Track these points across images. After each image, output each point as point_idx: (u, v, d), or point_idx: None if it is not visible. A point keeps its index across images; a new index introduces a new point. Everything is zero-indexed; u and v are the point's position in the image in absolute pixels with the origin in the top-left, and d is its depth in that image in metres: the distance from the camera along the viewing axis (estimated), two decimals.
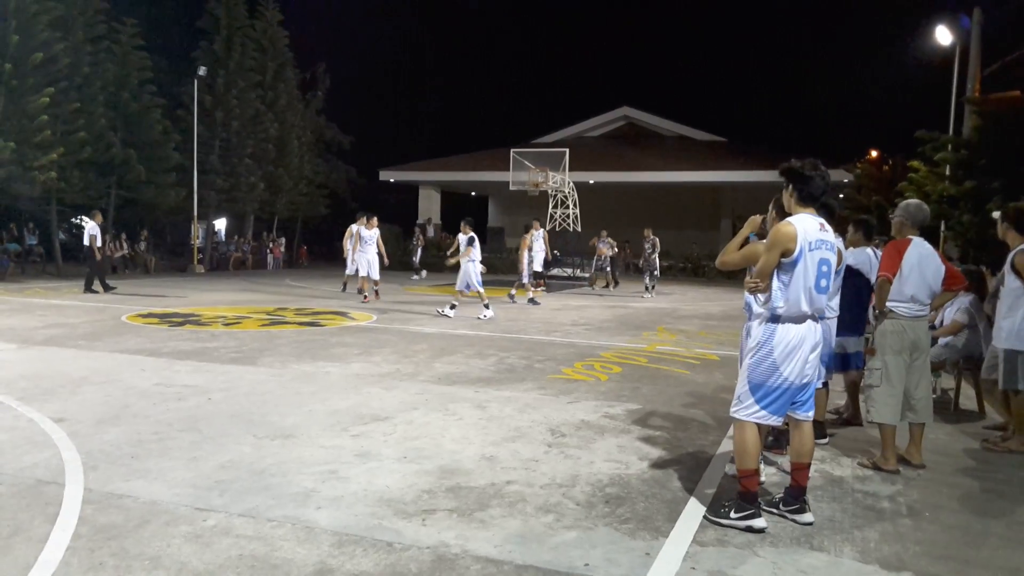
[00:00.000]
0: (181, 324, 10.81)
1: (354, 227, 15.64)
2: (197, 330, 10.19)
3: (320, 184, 31.82)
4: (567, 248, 24.99)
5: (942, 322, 6.59)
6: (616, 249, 21.48)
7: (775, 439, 4.86)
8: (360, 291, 15.32)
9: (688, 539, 3.53)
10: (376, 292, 15.12)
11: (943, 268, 4.82)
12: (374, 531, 3.51)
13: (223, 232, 32.23)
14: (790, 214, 3.81)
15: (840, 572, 3.25)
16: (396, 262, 24.08)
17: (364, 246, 15.14)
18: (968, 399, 6.69)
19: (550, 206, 25.52)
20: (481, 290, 12.43)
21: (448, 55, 59.99)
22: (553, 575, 3.14)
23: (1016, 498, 4.35)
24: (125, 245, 23.78)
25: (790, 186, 3.82)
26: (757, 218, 4.29)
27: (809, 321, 3.69)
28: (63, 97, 19.33)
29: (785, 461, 4.53)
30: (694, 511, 3.88)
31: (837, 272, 4.65)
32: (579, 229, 24.98)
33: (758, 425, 3.75)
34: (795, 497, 3.81)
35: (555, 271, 23.53)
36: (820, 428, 5.15)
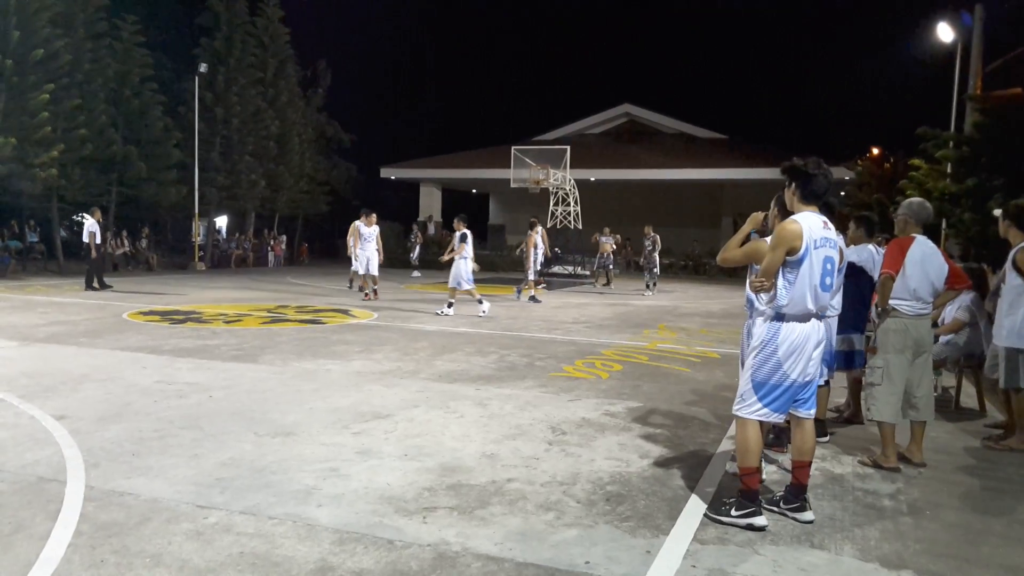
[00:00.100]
0: (182, 322, 10.82)
1: (357, 223, 15.65)
2: (198, 327, 10.19)
3: (321, 181, 31.79)
4: (568, 246, 24.98)
5: (943, 320, 6.58)
6: (616, 245, 21.48)
7: (776, 437, 4.86)
8: (362, 288, 15.33)
9: (689, 537, 3.53)
10: (375, 291, 15.09)
11: (946, 266, 4.81)
12: (375, 529, 3.51)
13: (224, 229, 32.22)
14: (792, 212, 3.81)
15: (841, 570, 3.25)
16: (396, 260, 24.07)
17: (364, 243, 15.11)
18: (969, 397, 6.68)
19: (551, 204, 25.50)
20: (472, 287, 12.33)
21: (449, 52, 60.07)
22: (554, 573, 3.14)
23: (1017, 496, 4.34)
24: (126, 242, 23.79)
25: (793, 184, 3.81)
26: (759, 215, 4.29)
27: (813, 319, 3.69)
28: (64, 94, 19.33)
29: (786, 459, 4.53)
30: (695, 509, 3.88)
31: (839, 270, 4.65)
32: (580, 227, 24.97)
33: (759, 423, 3.76)
34: (796, 495, 3.81)
35: (556, 269, 23.54)
36: (821, 426, 5.15)
